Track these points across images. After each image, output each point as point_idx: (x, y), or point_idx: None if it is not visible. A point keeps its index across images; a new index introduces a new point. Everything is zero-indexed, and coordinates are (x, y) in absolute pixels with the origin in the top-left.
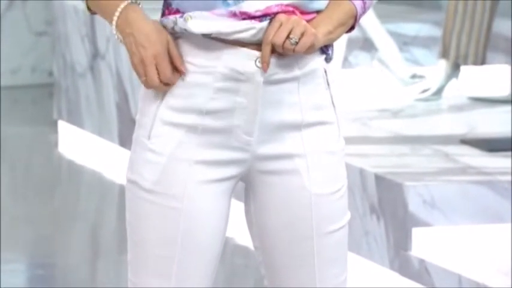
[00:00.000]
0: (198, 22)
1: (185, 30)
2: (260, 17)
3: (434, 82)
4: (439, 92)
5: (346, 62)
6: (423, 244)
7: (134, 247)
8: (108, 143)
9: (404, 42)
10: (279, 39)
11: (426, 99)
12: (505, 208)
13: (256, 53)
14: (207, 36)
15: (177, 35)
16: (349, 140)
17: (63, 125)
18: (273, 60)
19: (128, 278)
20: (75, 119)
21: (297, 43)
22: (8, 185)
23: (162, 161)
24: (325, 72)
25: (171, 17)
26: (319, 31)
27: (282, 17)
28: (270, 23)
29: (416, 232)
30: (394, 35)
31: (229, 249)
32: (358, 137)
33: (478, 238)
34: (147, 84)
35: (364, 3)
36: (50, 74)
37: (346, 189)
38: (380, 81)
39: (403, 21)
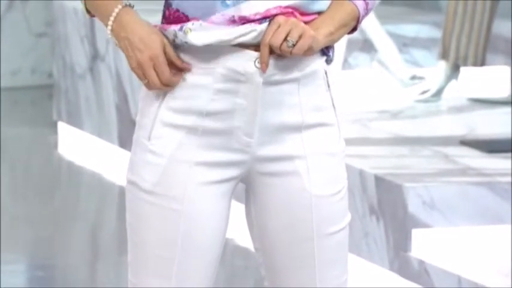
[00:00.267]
0: (198, 34)
1: (186, 43)
2: (260, 20)
3: (434, 83)
4: (438, 93)
5: (345, 63)
6: (423, 245)
7: (134, 248)
8: (108, 144)
9: (404, 43)
10: (276, 41)
11: (426, 101)
12: (504, 209)
13: (256, 54)
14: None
15: (177, 47)
16: (349, 141)
17: (62, 126)
18: (272, 61)
19: (128, 279)
20: (74, 120)
21: (294, 45)
22: (7, 186)
23: (162, 163)
24: (326, 73)
25: (171, 30)
26: (320, 32)
27: (280, 18)
28: (269, 24)
29: (416, 233)
30: (394, 36)
31: (229, 251)
32: (358, 138)
33: (477, 239)
34: (149, 87)
35: (367, 4)
36: (50, 75)
37: (346, 191)
38: (380, 83)
39: (403, 23)
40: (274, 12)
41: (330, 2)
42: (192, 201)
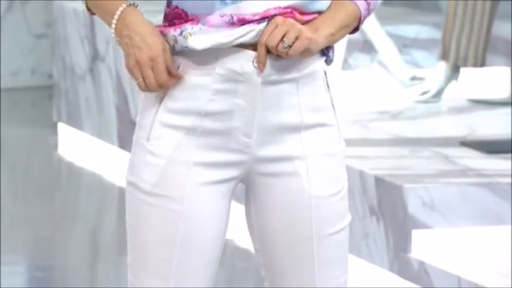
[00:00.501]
0: (198, 38)
1: (186, 47)
2: (258, 20)
3: (434, 84)
4: (438, 94)
5: (346, 64)
6: (423, 246)
7: (134, 249)
8: (108, 145)
9: (404, 44)
10: (272, 41)
11: (426, 101)
12: (504, 210)
13: (254, 54)
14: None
15: (177, 52)
16: (349, 142)
17: (62, 127)
18: (270, 61)
19: (128, 280)
20: (74, 121)
21: (290, 46)
22: (7, 187)
23: (161, 163)
24: (325, 74)
25: (171, 35)
26: (321, 33)
27: (278, 19)
28: (267, 24)
29: (416, 234)
30: (394, 37)
31: (229, 251)
32: (358, 139)
33: (477, 240)
34: (142, 87)
35: (369, 5)
36: (50, 76)
37: (346, 191)
38: (380, 83)
39: (403, 23)
40: (273, 12)
41: (329, 1)
42: (191, 202)
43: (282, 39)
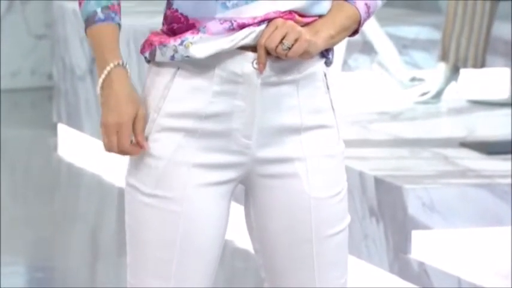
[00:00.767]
0: (199, 47)
1: (187, 57)
2: (258, 23)
3: (433, 85)
4: (438, 95)
5: (345, 65)
6: (423, 247)
7: (134, 250)
8: None
9: (403, 45)
10: (272, 43)
11: (425, 102)
12: (504, 211)
13: (254, 55)
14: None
15: (176, 63)
16: (349, 143)
17: (62, 128)
18: (270, 63)
19: (127, 280)
20: (74, 122)
21: (289, 49)
22: (7, 188)
23: (161, 165)
24: (325, 75)
25: (171, 45)
26: (321, 36)
27: (278, 21)
28: (267, 26)
29: (415, 235)
30: (394, 38)
31: (228, 252)
32: (358, 140)
33: (477, 241)
34: (105, 148)
35: (368, 8)
36: (50, 77)
37: (346, 193)
38: (379, 84)
39: (403, 24)
40: (273, 16)
41: (330, 4)
42: (191, 203)
43: (281, 41)
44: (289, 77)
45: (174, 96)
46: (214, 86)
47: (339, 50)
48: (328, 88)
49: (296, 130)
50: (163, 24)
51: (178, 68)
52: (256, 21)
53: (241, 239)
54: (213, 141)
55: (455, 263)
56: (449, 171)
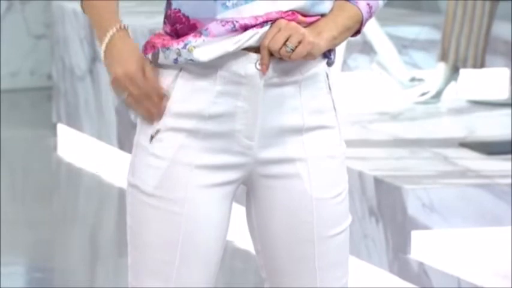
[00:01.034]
0: (202, 50)
1: (191, 60)
2: (261, 23)
3: (433, 85)
4: (438, 95)
5: (345, 65)
6: (422, 247)
7: (135, 250)
8: (107, 146)
9: (403, 45)
10: (275, 45)
11: (425, 102)
12: (504, 211)
13: (257, 56)
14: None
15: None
16: (349, 143)
17: (62, 128)
18: (273, 64)
19: (128, 281)
20: (74, 122)
21: (293, 51)
22: (7, 188)
23: (164, 165)
24: (327, 76)
25: (173, 48)
26: (323, 37)
27: (282, 22)
28: (270, 27)
29: (415, 235)
30: (393, 38)
31: (229, 253)
32: (358, 140)
33: (477, 241)
34: (128, 102)
35: (370, 8)
36: (49, 77)
37: (347, 193)
38: (379, 84)
39: (402, 24)
40: (275, 16)
41: (331, 4)
42: (193, 204)
43: (285, 43)
44: (291, 78)
45: (177, 96)
46: (217, 86)
47: (339, 50)
48: (330, 88)
49: (298, 131)
50: (165, 23)
51: (181, 69)
52: (258, 22)
53: (242, 239)
54: (216, 142)
55: (454, 263)
56: (449, 172)
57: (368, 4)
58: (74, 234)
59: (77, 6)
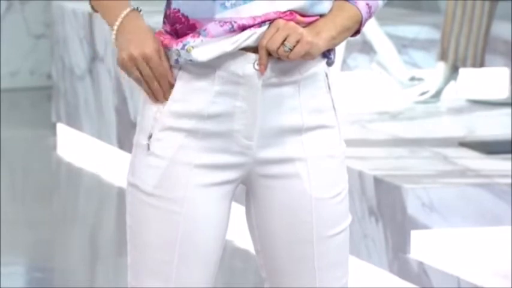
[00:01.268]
0: (201, 50)
1: (190, 60)
2: (260, 24)
3: (433, 84)
4: (437, 94)
5: (345, 65)
6: (422, 247)
7: (134, 250)
8: (107, 145)
9: (403, 44)
10: (273, 45)
11: (425, 102)
12: (503, 211)
13: (255, 56)
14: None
15: (179, 66)
16: (348, 143)
17: (61, 128)
18: (271, 64)
19: (128, 281)
20: (74, 122)
21: (291, 50)
22: (7, 187)
23: (163, 165)
24: (326, 75)
25: (174, 49)
26: (322, 37)
27: (280, 22)
28: (268, 27)
29: (415, 235)
30: (393, 37)
31: (228, 253)
32: (357, 140)
33: (476, 241)
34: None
35: (370, 8)
36: (49, 76)
37: (347, 193)
38: (379, 84)
39: (402, 24)
40: (273, 16)
41: (331, 4)
42: (192, 203)
43: (283, 43)
44: (290, 78)
45: (177, 96)
46: (215, 86)
47: (339, 50)
48: (329, 88)
49: (297, 131)
50: (164, 23)
51: (180, 69)
52: (256, 22)
53: (241, 239)
54: (215, 141)
55: (454, 263)
56: (449, 171)
57: (367, 4)
58: (74, 234)
59: (76, 6)
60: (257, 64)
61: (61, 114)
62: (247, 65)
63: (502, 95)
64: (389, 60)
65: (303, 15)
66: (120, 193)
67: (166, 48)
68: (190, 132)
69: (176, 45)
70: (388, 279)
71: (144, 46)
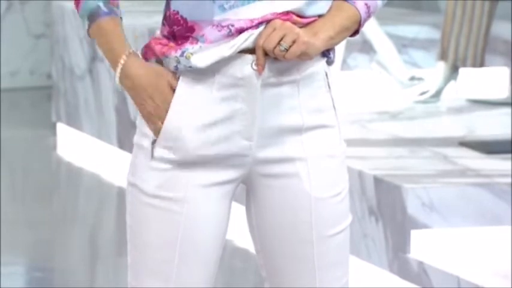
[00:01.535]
0: (199, 56)
1: (190, 67)
2: (257, 25)
3: (433, 84)
4: (437, 94)
5: (344, 64)
6: (422, 246)
7: (134, 250)
8: (107, 145)
9: (403, 44)
10: (269, 44)
11: (425, 102)
12: (503, 210)
13: (252, 57)
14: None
15: (179, 72)
16: (348, 142)
17: (61, 128)
18: (270, 64)
19: (128, 281)
20: (74, 122)
21: (287, 50)
22: (7, 187)
23: (166, 168)
24: (326, 75)
25: (172, 57)
26: (320, 37)
27: (276, 22)
28: (265, 27)
29: (415, 234)
30: (393, 37)
31: (228, 252)
32: (357, 139)
33: (476, 240)
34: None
35: (369, 8)
36: (49, 76)
37: (347, 193)
38: (379, 84)
39: (402, 24)
40: (270, 18)
41: (329, 4)
42: (192, 203)
43: (279, 43)
44: (289, 78)
45: (178, 102)
46: (215, 92)
47: (339, 49)
48: (329, 87)
49: (297, 130)
50: (163, 25)
51: (179, 76)
52: (254, 24)
53: (241, 238)
54: (216, 143)
55: (454, 263)
56: (449, 171)
57: (366, 4)
58: (74, 234)
59: None
60: (255, 64)
61: (61, 114)
62: (246, 66)
63: (502, 94)
64: (389, 60)
65: (300, 16)
66: (120, 193)
67: (165, 56)
68: (193, 138)
69: (175, 52)
70: (388, 279)
71: (160, 98)
